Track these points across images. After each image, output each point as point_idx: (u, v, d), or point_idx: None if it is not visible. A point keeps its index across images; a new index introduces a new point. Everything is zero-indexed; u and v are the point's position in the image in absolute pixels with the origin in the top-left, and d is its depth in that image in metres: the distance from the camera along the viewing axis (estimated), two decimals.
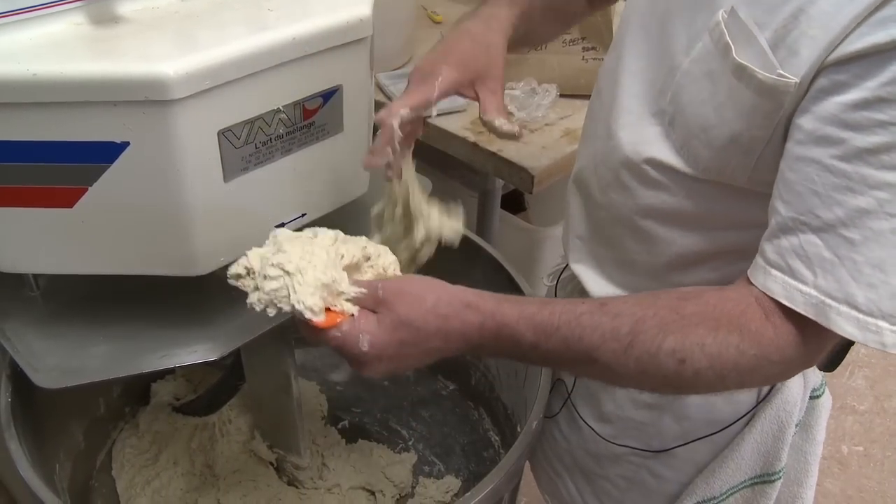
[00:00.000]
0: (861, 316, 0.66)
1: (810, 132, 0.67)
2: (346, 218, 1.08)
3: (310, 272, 0.75)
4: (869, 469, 2.22)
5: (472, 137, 1.54)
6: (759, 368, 0.71)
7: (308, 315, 0.75)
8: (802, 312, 0.68)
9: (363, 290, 0.76)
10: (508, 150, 1.50)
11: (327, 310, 0.76)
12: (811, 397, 0.99)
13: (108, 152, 0.80)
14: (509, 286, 1.23)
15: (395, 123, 0.86)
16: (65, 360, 0.93)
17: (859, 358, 2.57)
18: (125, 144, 0.79)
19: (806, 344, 0.70)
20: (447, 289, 0.77)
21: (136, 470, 1.39)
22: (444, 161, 1.61)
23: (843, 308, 0.66)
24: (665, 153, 0.83)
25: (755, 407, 0.96)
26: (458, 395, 1.56)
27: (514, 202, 2.31)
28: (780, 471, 0.99)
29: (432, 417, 1.55)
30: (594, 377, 0.77)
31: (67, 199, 0.83)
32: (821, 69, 0.66)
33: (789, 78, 0.68)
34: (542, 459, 1.27)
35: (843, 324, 0.66)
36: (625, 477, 1.10)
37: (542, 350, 0.74)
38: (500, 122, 0.90)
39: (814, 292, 0.67)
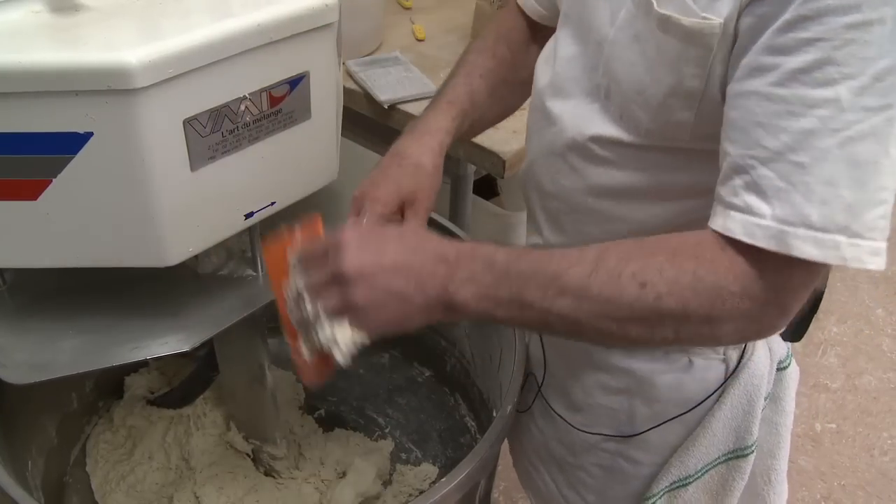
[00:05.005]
0: (818, 234, 0.65)
1: (744, 66, 0.68)
2: (316, 206, 1.07)
3: None
4: (841, 445, 2.26)
5: None
6: (722, 300, 0.69)
7: None
8: (764, 246, 0.67)
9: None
10: (479, 136, 1.50)
11: None
12: (778, 369, 1.00)
13: (71, 143, 0.78)
14: None
15: None
16: (34, 354, 0.92)
17: (831, 337, 2.60)
18: (88, 135, 0.78)
19: (765, 277, 0.69)
20: None
21: (110, 465, 1.38)
22: None
23: (801, 231, 0.65)
24: (606, 127, 0.83)
25: (724, 383, 0.97)
26: (433, 381, 1.56)
27: (487, 187, 2.31)
28: (752, 445, 1.00)
29: (408, 404, 1.55)
30: (563, 319, 0.73)
31: (31, 191, 0.82)
32: (744, 7, 0.67)
33: (713, 19, 0.69)
34: (520, 454, 1.27)
35: (803, 246, 0.65)
36: (600, 465, 1.10)
37: (513, 273, 0.72)
38: None
39: (772, 223, 0.66)
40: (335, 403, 1.56)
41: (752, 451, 1.00)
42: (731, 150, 0.69)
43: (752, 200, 0.67)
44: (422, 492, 1.39)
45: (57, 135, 0.78)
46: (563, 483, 1.17)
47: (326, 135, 1.00)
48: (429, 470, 1.43)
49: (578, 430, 1.09)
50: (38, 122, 0.77)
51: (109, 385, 1.47)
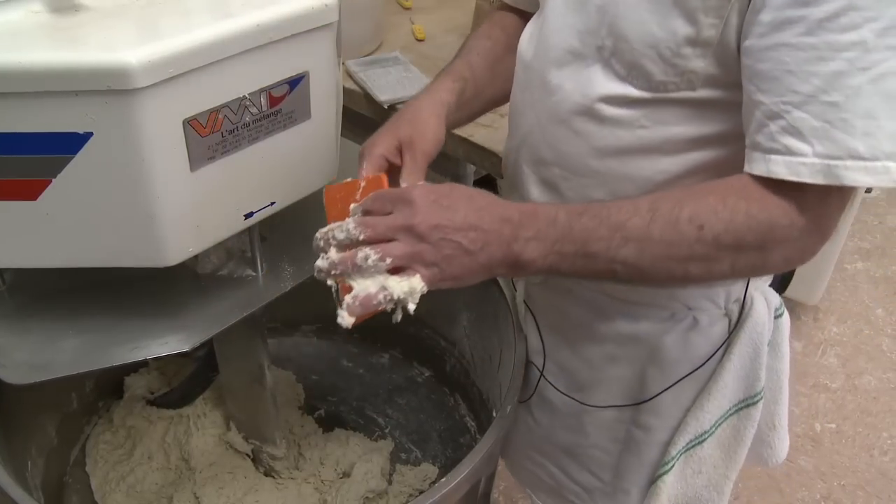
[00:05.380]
0: (868, 163, 0.70)
1: (770, 22, 0.72)
2: (317, 206, 1.07)
3: None
4: (841, 445, 2.25)
5: None
6: (773, 232, 0.76)
7: None
8: (811, 181, 0.72)
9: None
10: (479, 135, 1.50)
11: None
12: (775, 317, 1.04)
13: (70, 143, 0.78)
14: None
15: None
16: (34, 354, 0.92)
17: (831, 337, 2.60)
18: (88, 135, 0.78)
19: (810, 209, 0.75)
20: None
21: (110, 465, 1.38)
22: None
23: (849, 162, 0.70)
24: (613, 86, 0.86)
25: (729, 336, 1.01)
26: (433, 381, 1.56)
27: (487, 187, 2.30)
28: (760, 391, 1.04)
29: (408, 404, 1.55)
30: (628, 267, 0.78)
31: (31, 191, 0.82)
32: None
33: None
34: (515, 452, 1.28)
35: (854, 175, 0.71)
36: (615, 439, 1.12)
37: (577, 230, 0.77)
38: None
39: (816, 160, 0.72)
40: (335, 403, 1.57)
41: (761, 398, 1.05)
42: (764, 98, 0.74)
43: (791, 142, 0.72)
44: (422, 492, 1.39)
45: (57, 135, 0.78)
46: (575, 469, 1.18)
47: (326, 135, 1.00)
48: (429, 470, 1.43)
49: (592, 406, 1.10)
50: (37, 122, 0.77)
51: (109, 385, 1.47)
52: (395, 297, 0.75)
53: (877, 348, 2.58)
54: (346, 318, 0.76)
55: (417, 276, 0.76)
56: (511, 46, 1.05)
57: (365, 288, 0.75)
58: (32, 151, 0.79)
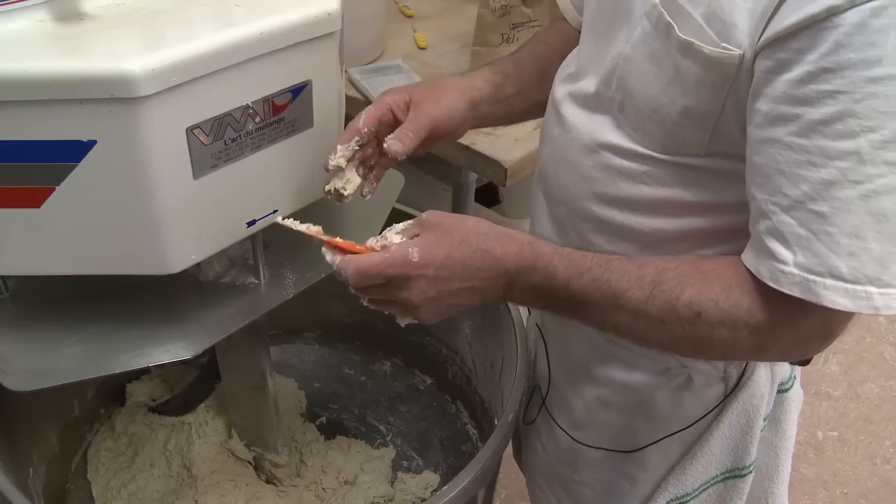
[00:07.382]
0: (849, 286, 0.66)
1: (766, 114, 0.68)
2: (319, 214, 1.07)
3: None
4: (843, 453, 2.25)
5: None
6: (772, 336, 0.72)
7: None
8: (788, 292, 0.68)
9: (409, 222, 0.80)
10: (481, 144, 1.50)
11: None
12: (779, 391, 0.99)
13: (74, 151, 0.79)
14: None
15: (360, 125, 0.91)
16: (36, 362, 0.92)
17: (833, 344, 2.59)
18: (92, 143, 0.78)
19: (815, 318, 0.70)
20: (486, 221, 0.81)
21: (111, 473, 1.38)
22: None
23: (829, 281, 0.66)
24: (619, 138, 0.84)
25: (723, 401, 0.96)
26: (435, 389, 1.56)
27: (488, 195, 2.31)
28: (750, 465, 0.99)
29: (410, 412, 1.55)
30: (620, 330, 0.79)
31: (34, 199, 0.82)
32: (761, 48, 0.67)
33: (733, 50, 0.69)
34: (529, 474, 1.28)
35: (833, 296, 0.66)
36: (601, 481, 1.09)
37: (574, 289, 0.76)
38: (389, 145, 0.90)
39: (795, 271, 0.67)
40: (337, 411, 1.57)
41: (750, 472, 1.00)
42: (756, 194, 0.71)
43: (775, 246, 0.69)
44: (423, 500, 1.39)
45: (61, 143, 0.78)
46: (567, 501, 1.17)
47: (329, 143, 1.00)
48: (430, 478, 1.43)
49: (582, 444, 1.08)
50: (42, 130, 0.77)
51: (111, 392, 1.47)
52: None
53: (879, 356, 2.57)
54: None
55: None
56: (566, 54, 1.01)
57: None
58: (36, 159, 0.79)
